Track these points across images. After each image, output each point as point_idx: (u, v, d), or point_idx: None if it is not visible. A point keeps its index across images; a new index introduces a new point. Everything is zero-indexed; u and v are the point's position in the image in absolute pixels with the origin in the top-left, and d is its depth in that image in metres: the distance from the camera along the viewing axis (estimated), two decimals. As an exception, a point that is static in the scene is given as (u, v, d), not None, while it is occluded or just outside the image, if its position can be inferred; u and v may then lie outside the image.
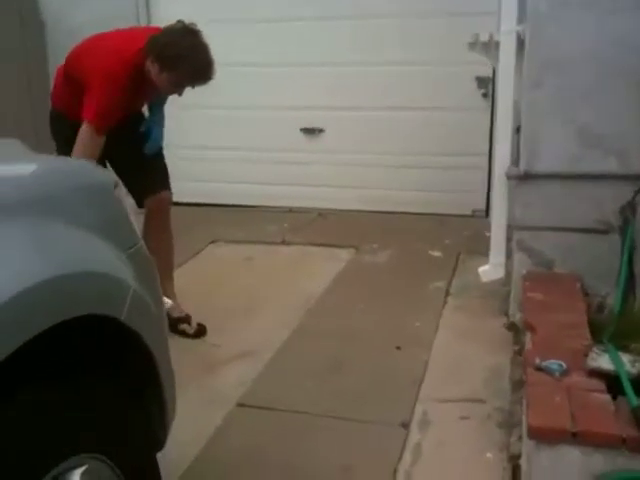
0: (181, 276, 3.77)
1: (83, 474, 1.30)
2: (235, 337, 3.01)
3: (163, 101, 3.11)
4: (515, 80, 2.78)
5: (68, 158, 1.58)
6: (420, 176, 4.58)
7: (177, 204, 4.94)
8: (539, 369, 1.98)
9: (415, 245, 4.03)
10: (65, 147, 2.79)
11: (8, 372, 1.13)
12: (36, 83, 4.52)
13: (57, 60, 3.99)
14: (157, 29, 2.84)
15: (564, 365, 1.97)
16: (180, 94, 2.85)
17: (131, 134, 2.99)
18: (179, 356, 2.79)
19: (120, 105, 2.72)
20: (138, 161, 3.01)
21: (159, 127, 3.08)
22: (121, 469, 1.42)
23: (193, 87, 2.82)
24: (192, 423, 2.35)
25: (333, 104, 4.63)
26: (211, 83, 4.44)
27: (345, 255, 3.97)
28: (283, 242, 4.22)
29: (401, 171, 4.62)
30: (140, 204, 3.05)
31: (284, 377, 2.65)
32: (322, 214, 4.72)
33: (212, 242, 4.28)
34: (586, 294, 2.78)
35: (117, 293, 1.36)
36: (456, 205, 4.49)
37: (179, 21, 2.76)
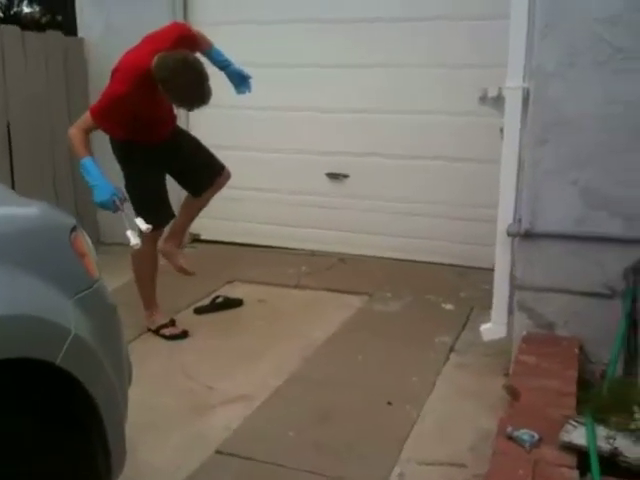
0: (192, 316, 3.81)
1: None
2: (231, 380, 3.01)
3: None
4: (521, 136, 2.74)
5: (27, 200, 1.61)
6: (443, 226, 4.52)
7: (199, 241, 5.09)
8: (510, 438, 1.91)
9: (429, 296, 3.96)
10: (120, 164, 3.37)
11: None
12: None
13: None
14: (181, 29, 3.36)
15: (536, 436, 1.89)
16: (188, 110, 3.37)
17: (177, 139, 3.48)
18: (171, 397, 2.86)
19: (127, 109, 3.05)
20: (192, 158, 3.49)
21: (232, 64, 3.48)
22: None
23: (189, 110, 3.32)
24: (167, 468, 2.36)
25: (358, 150, 4.64)
26: (239, 124, 4.65)
27: (357, 302, 3.93)
28: (297, 286, 4.22)
29: (424, 220, 4.57)
30: (200, 191, 3.57)
31: (268, 425, 2.62)
32: (343, 259, 4.70)
33: (229, 282, 4.31)
34: (589, 361, 2.68)
35: (51, 337, 1.37)
36: (477, 258, 4.39)
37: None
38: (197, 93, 3.01)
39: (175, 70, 2.96)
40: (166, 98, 3.14)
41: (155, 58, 3.01)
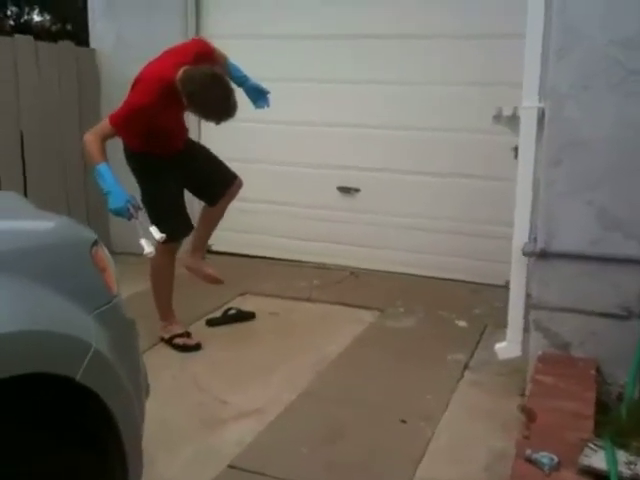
0: (204, 328, 3.81)
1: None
2: (243, 394, 3.00)
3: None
4: (536, 156, 2.73)
5: (49, 215, 1.62)
6: (455, 242, 4.51)
7: (211, 252, 5.08)
8: (529, 461, 1.89)
9: (442, 313, 3.95)
10: (135, 177, 3.36)
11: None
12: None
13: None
14: (201, 45, 3.35)
15: (555, 459, 1.88)
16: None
17: (189, 151, 3.49)
18: (183, 410, 2.85)
19: (146, 120, 3.06)
20: (205, 168, 3.50)
21: (250, 80, 3.46)
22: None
23: (216, 123, 3.13)
24: (179, 482, 2.35)
25: (370, 165, 4.65)
26: (251, 138, 4.67)
27: (369, 317, 3.93)
28: (308, 299, 4.21)
29: (436, 235, 4.57)
30: (215, 200, 3.56)
31: (281, 441, 2.61)
32: (354, 273, 4.70)
33: (241, 294, 4.30)
34: (606, 382, 2.66)
35: (73, 353, 1.38)
36: (490, 274, 4.38)
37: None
38: (224, 107, 3.01)
39: (203, 84, 2.96)
40: (191, 111, 3.14)
41: (181, 71, 3.01)
